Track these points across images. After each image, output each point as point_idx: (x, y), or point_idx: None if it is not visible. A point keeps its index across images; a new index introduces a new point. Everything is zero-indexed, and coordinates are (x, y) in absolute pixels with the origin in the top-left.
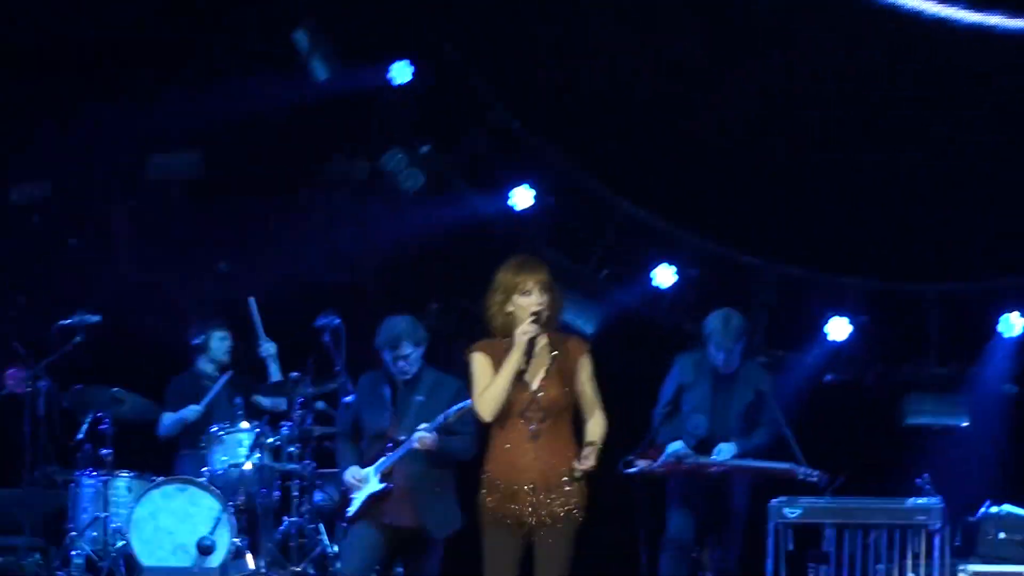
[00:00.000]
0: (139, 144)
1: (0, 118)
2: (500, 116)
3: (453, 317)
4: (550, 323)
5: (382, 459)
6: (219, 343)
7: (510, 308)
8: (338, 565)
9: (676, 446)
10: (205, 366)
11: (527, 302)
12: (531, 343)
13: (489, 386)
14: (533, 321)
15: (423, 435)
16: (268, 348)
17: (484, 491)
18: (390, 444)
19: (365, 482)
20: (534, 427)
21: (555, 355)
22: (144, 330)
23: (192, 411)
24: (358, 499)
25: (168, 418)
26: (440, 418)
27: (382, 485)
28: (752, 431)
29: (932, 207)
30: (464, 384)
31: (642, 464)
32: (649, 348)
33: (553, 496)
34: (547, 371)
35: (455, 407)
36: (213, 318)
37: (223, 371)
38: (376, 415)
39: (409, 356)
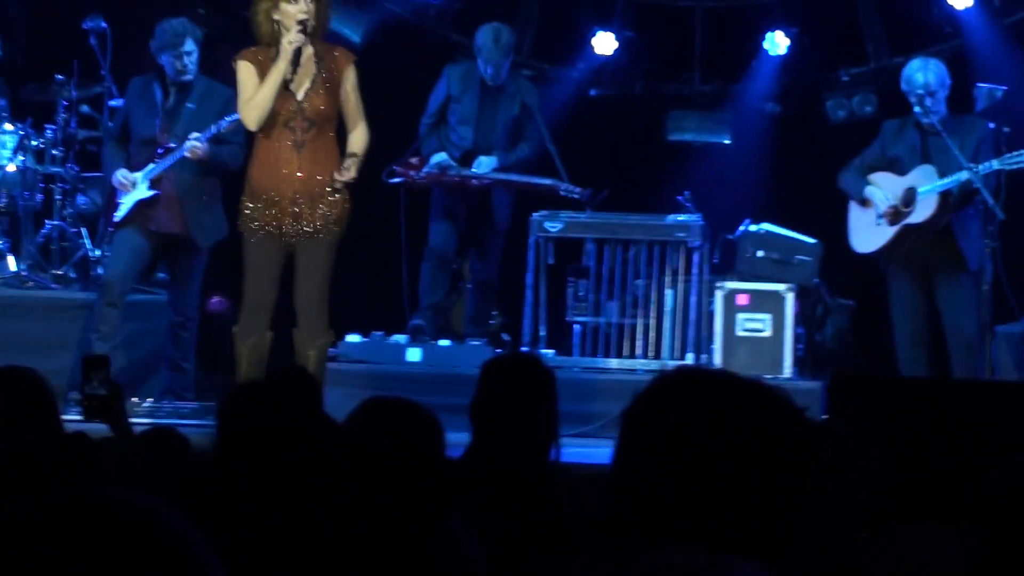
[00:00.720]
0: None
1: None
2: None
3: (220, 22)
4: (317, 32)
5: (151, 165)
6: None
7: (276, 16)
8: (100, 270)
9: (440, 157)
10: None
11: (293, 10)
12: (297, 53)
13: (254, 96)
14: (300, 31)
15: (194, 144)
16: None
17: (246, 200)
18: (160, 150)
19: (134, 186)
20: (298, 137)
21: (320, 64)
22: None
23: None
24: (125, 204)
25: None
26: (212, 128)
27: (151, 192)
28: (516, 145)
29: None
30: (235, 93)
31: (405, 174)
32: (416, 58)
33: (315, 206)
34: (312, 81)
35: (227, 119)
36: None
37: None
38: (146, 120)
39: (191, 54)
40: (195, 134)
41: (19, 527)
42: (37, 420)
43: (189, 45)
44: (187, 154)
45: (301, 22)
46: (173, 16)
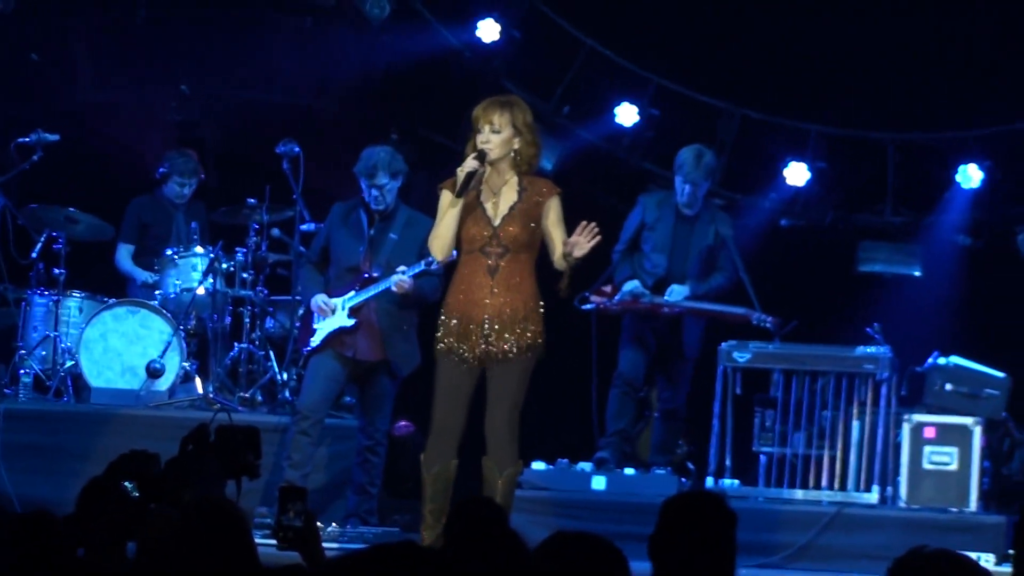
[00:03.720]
0: None
1: None
2: None
3: (414, 148)
4: (523, 165)
5: (352, 293)
6: (187, 164)
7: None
8: (287, 393)
9: (633, 285)
10: (171, 192)
11: (479, 139)
12: (469, 179)
13: (436, 226)
14: (474, 158)
15: (401, 279)
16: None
17: (441, 323)
18: (365, 276)
19: (333, 312)
20: (493, 262)
21: (521, 193)
22: (103, 150)
23: (147, 277)
24: (323, 329)
25: (125, 261)
26: (421, 265)
27: (351, 321)
28: (710, 274)
29: (896, 56)
30: None
31: (598, 301)
32: (608, 186)
33: (508, 331)
34: (511, 208)
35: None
36: (184, 148)
37: (185, 202)
38: (350, 246)
39: (384, 187)
40: (402, 268)
41: None
42: (235, 555)
43: (382, 178)
44: (393, 288)
45: (477, 150)
46: (367, 141)
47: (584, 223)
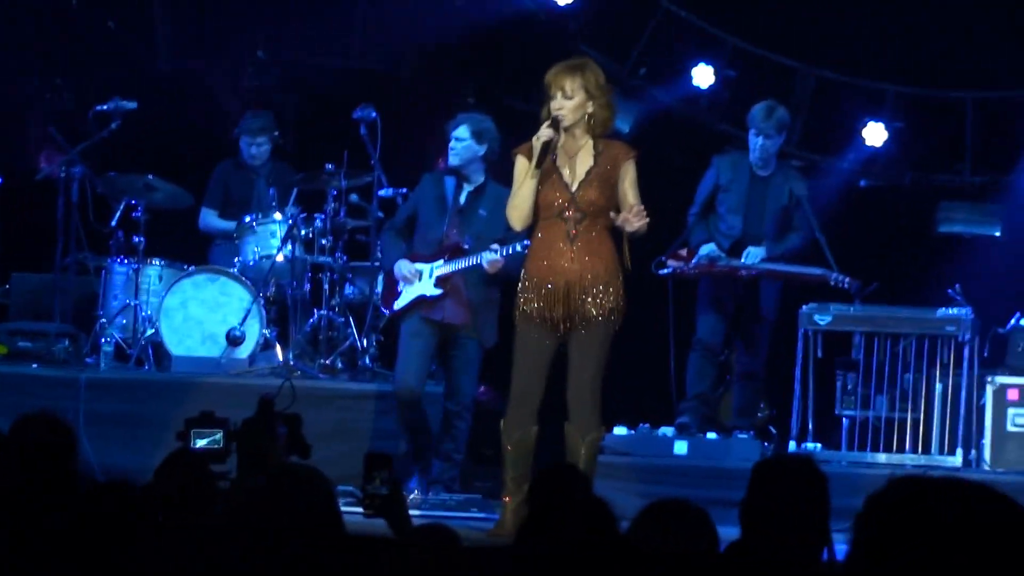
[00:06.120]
0: None
1: None
2: None
3: (491, 111)
4: (597, 128)
5: (440, 262)
6: (255, 121)
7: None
8: (366, 360)
9: (709, 248)
10: (243, 152)
11: (552, 106)
12: (545, 148)
13: (513, 196)
14: (548, 126)
15: (495, 259)
16: None
17: (521, 290)
18: (455, 246)
19: (419, 278)
20: (571, 227)
21: (597, 158)
22: (180, 118)
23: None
24: (407, 294)
25: (211, 218)
26: (516, 246)
27: (437, 290)
28: (786, 235)
29: (973, 12)
30: None
31: (674, 265)
32: (685, 148)
33: (590, 296)
34: (588, 173)
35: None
36: (259, 110)
37: (263, 168)
38: (436, 217)
39: (461, 141)
40: (495, 246)
41: None
42: (321, 522)
43: (462, 131)
44: (486, 267)
45: (551, 117)
46: (444, 106)
47: (633, 205)
